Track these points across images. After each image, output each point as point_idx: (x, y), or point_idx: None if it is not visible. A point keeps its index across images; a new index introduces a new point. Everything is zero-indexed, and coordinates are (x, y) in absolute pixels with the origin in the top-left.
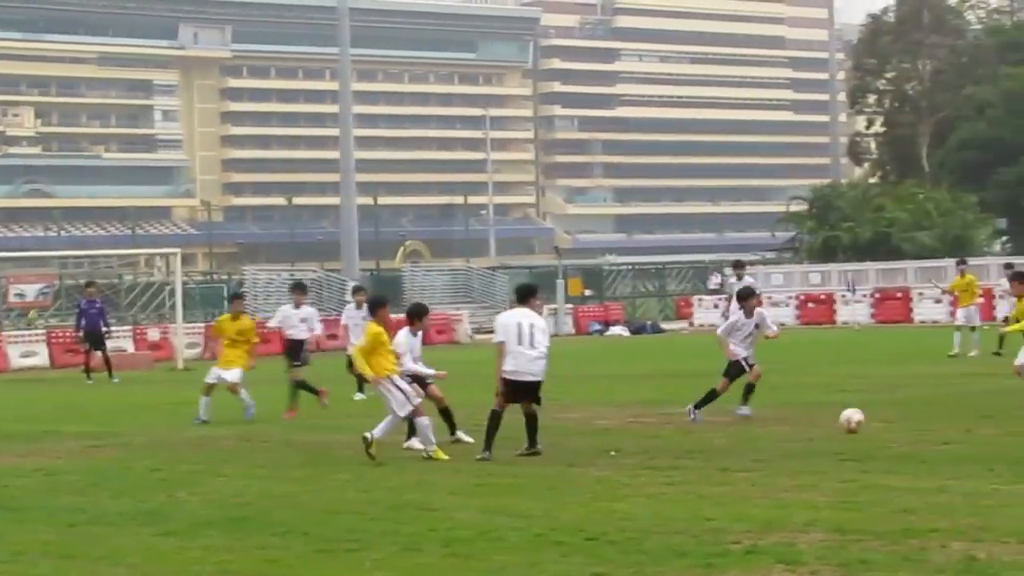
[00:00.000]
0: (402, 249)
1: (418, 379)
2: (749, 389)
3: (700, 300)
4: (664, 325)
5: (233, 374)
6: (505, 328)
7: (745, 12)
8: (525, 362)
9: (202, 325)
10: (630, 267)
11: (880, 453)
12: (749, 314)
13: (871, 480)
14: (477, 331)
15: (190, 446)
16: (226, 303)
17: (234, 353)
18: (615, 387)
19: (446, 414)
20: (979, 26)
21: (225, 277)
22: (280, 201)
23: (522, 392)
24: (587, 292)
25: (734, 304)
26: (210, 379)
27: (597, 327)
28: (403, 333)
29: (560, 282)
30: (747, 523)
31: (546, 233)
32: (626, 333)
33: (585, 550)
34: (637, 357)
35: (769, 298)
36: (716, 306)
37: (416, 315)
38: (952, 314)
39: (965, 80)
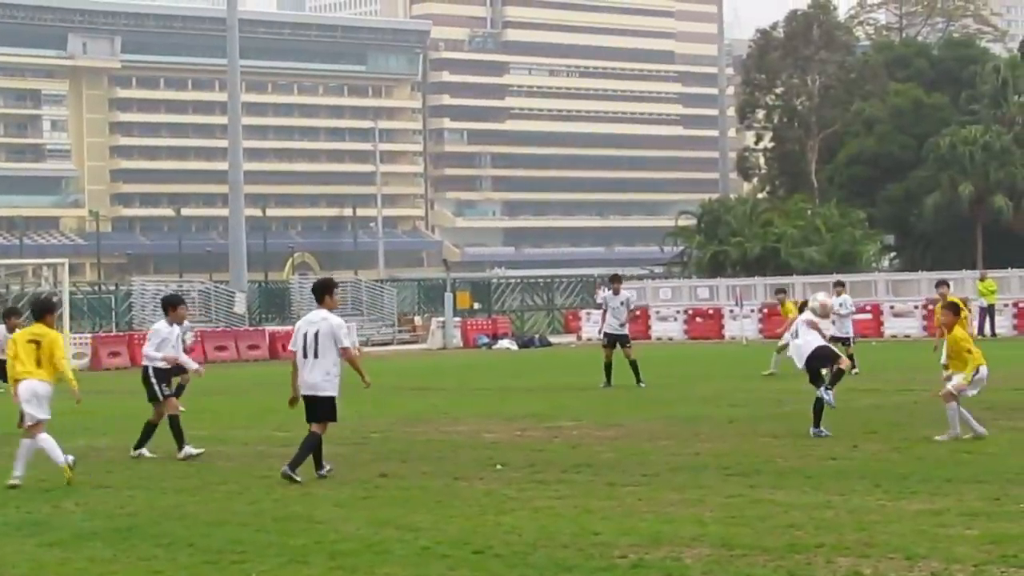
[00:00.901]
0: (291, 261)
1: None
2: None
3: (588, 314)
4: (552, 339)
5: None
6: (295, 337)
7: (634, 27)
8: (307, 375)
9: (89, 336)
10: (519, 280)
11: (766, 468)
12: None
13: (757, 495)
14: (365, 343)
15: (75, 457)
16: (114, 314)
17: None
18: (503, 400)
19: (168, 427)
20: (868, 42)
21: (113, 288)
22: (169, 212)
23: (310, 410)
24: (476, 305)
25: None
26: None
27: (485, 340)
28: (162, 323)
29: (448, 295)
30: (634, 537)
31: (435, 246)
32: (514, 347)
33: (471, 563)
34: (525, 371)
35: (657, 312)
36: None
37: (171, 305)
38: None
39: (854, 96)
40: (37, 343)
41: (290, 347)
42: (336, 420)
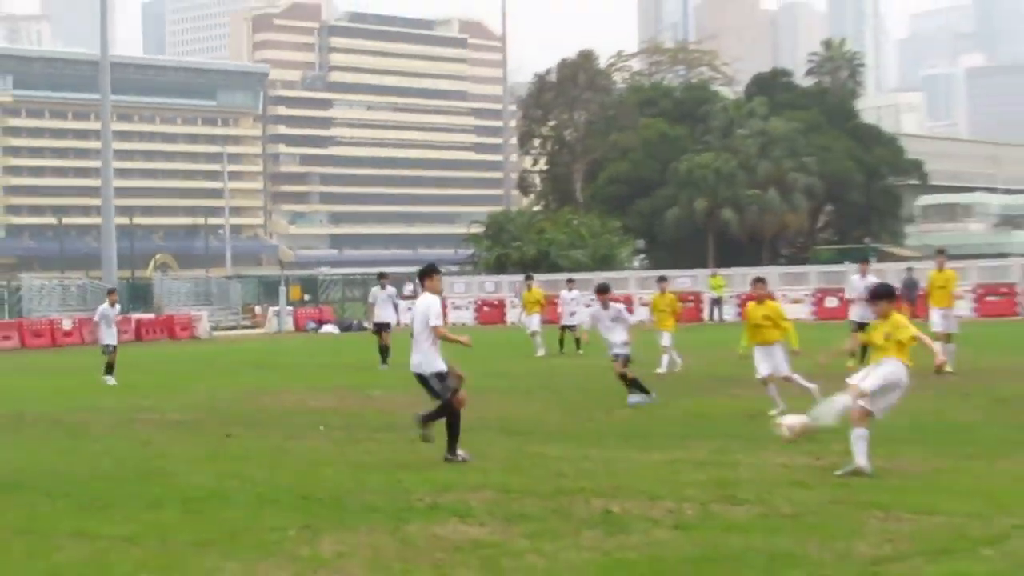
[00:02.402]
0: (153, 261)
1: None
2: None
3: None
4: (366, 324)
5: None
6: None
7: (436, 71)
8: (412, 354)
9: None
10: (341, 277)
11: (538, 429)
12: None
13: (531, 450)
14: (215, 328)
15: None
16: (6, 305)
17: None
18: (325, 374)
19: None
20: (623, 85)
21: (5, 284)
22: (52, 220)
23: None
24: (306, 297)
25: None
26: None
27: (313, 325)
28: None
29: (283, 288)
30: (430, 485)
31: (272, 249)
32: (336, 331)
33: (299, 507)
34: (345, 350)
35: (453, 303)
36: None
37: None
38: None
39: (612, 129)
40: None
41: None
42: (450, 393)
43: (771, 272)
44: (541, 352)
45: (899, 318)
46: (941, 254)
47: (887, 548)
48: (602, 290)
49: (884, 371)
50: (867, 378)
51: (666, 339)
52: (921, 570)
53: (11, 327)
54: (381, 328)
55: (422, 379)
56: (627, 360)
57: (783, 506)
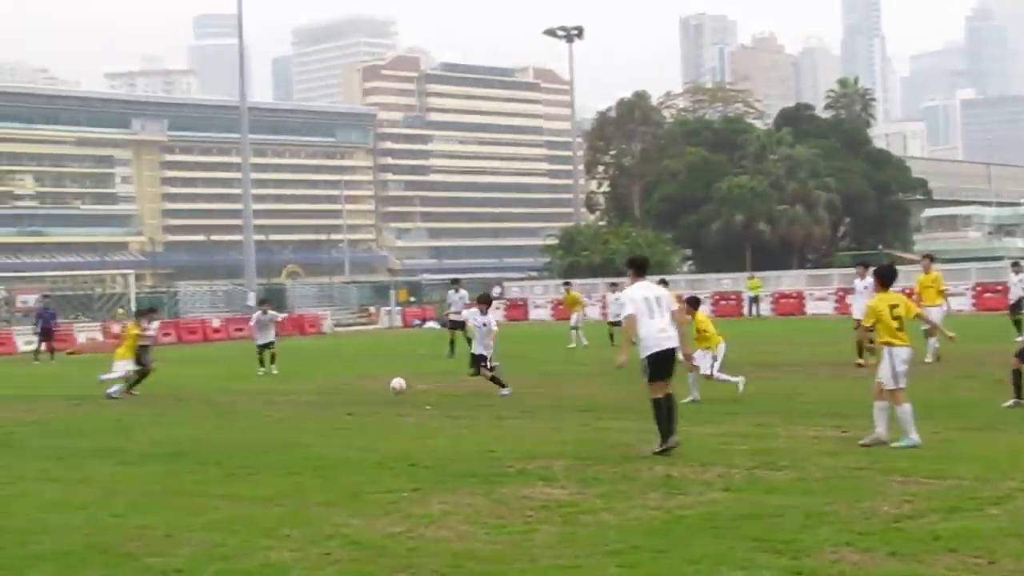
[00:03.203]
0: (285, 270)
1: None
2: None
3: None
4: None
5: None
6: (632, 304)
7: (515, 111)
8: (655, 331)
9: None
10: (439, 281)
11: (606, 407)
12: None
13: (600, 424)
14: (336, 325)
15: (140, 403)
16: (166, 307)
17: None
18: (428, 363)
19: None
20: (671, 120)
21: (165, 290)
22: (202, 238)
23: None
24: (411, 298)
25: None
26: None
27: (417, 322)
28: None
29: (392, 292)
30: (518, 454)
31: (382, 259)
32: (437, 326)
33: (408, 472)
34: (443, 343)
35: (534, 303)
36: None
37: None
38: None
39: (663, 156)
40: None
41: (628, 312)
42: (672, 374)
43: (799, 275)
44: (573, 344)
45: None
46: (927, 258)
47: (906, 507)
48: (483, 300)
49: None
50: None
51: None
52: (936, 526)
53: (170, 326)
54: (455, 325)
55: (670, 354)
56: (484, 361)
57: (816, 472)
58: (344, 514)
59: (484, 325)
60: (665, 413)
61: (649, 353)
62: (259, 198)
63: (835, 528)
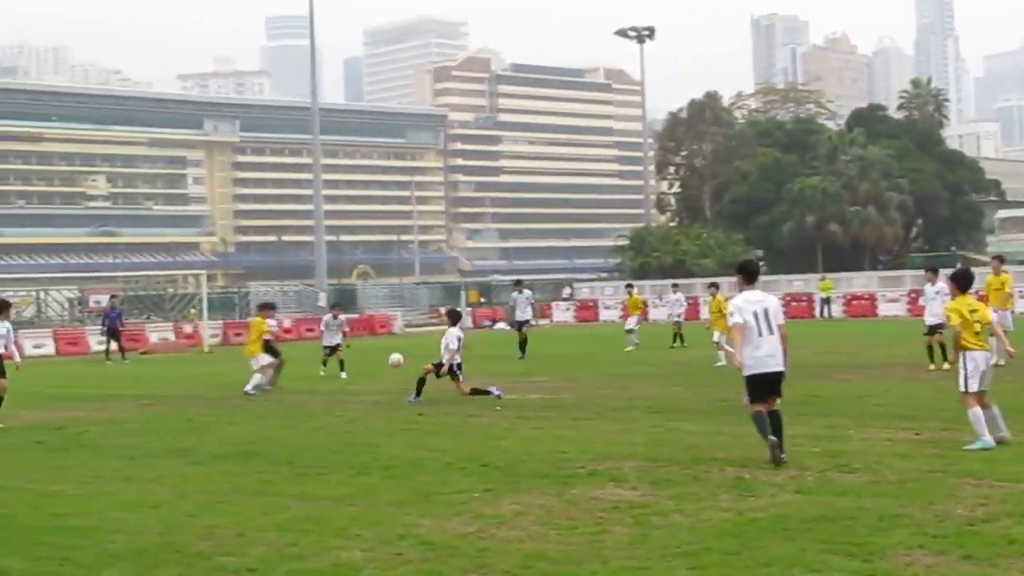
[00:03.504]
0: (356, 270)
1: None
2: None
3: (556, 304)
4: (532, 322)
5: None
6: (738, 315)
7: (585, 111)
8: (764, 351)
9: (221, 322)
10: (509, 282)
11: (676, 408)
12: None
13: (671, 425)
14: (407, 326)
15: (210, 404)
16: (237, 308)
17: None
18: (497, 364)
19: None
20: (743, 120)
21: (236, 290)
22: (273, 238)
23: (769, 385)
24: (481, 299)
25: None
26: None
27: (487, 323)
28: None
29: (462, 292)
30: (589, 455)
31: (453, 260)
32: (507, 327)
33: (480, 473)
34: (514, 343)
35: (604, 304)
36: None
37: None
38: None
39: (734, 157)
40: None
41: (734, 321)
42: (779, 393)
43: (871, 276)
44: (631, 348)
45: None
46: (996, 260)
47: (980, 511)
48: (452, 315)
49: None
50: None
51: (716, 335)
52: (1011, 530)
53: (242, 326)
54: (520, 325)
55: (778, 377)
56: (441, 367)
57: (889, 474)
58: (415, 514)
59: (459, 337)
60: (768, 424)
61: (751, 373)
62: (330, 199)
63: (909, 531)
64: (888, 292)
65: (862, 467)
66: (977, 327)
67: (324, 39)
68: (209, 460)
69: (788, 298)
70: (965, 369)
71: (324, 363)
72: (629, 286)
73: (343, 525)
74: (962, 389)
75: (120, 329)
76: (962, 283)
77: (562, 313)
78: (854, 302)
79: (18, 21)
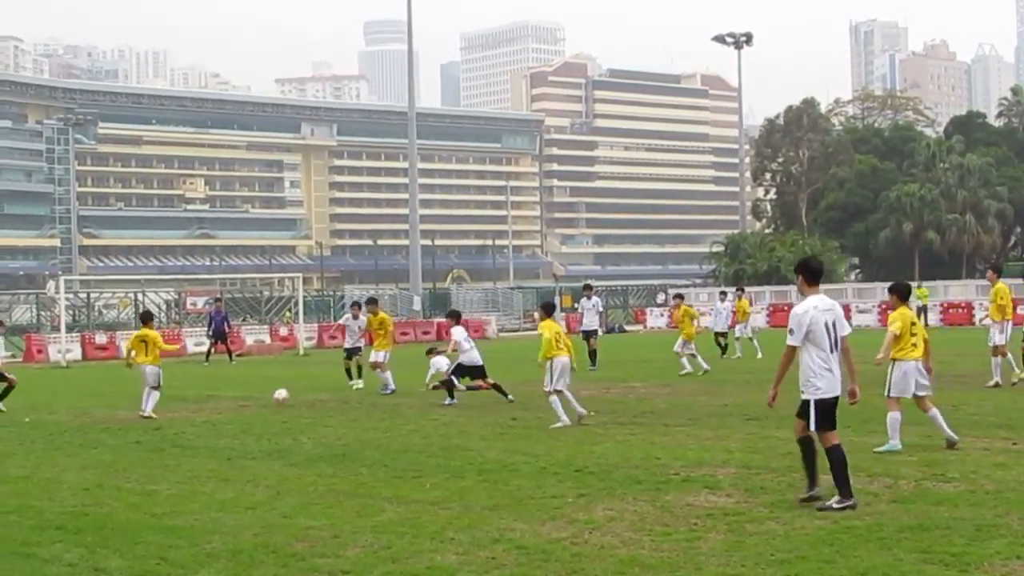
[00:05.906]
0: (451, 274)
1: None
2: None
3: (651, 310)
4: (627, 327)
5: (378, 355)
6: (805, 328)
7: (682, 117)
8: (835, 373)
9: (316, 325)
10: (604, 288)
11: (771, 415)
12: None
13: (766, 433)
14: (501, 330)
15: (306, 406)
16: (332, 311)
17: (378, 340)
18: (588, 371)
19: None
20: (840, 127)
21: (331, 293)
22: (368, 242)
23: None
24: (575, 305)
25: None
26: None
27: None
28: None
29: (557, 298)
30: (683, 461)
31: (547, 265)
32: (602, 332)
33: (574, 478)
34: (609, 348)
35: (700, 311)
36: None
37: None
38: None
39: (831, 163)
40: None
41: (793, 341)
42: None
43: (968, 284)
44: (738, 356)
45: None
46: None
47: None
48: (453, 316)
49: None
50: None
51: (677, 345)
52: None
53: (338, 329)
54: (588, 336)
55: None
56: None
57: (986, 484)
58: (509, 518)
59: (468, 338)
60: (813, 458)
61: (823, 397)
62: (426, 203)
63: (1006, 541)
64: (986, 301)
65: (959, 477)
66: (914, 338)
67: (421, 44)
68: (305, 462)
69: (884, 305)
70: (893, 375)
71: (348, 372)
72: (740, 290)
73: (438, 528)
74: (887, 394)
75: (227, 331)
76: (902, 295)
77: (656, 319)
78: (951, 311)
79: (120, 25)
